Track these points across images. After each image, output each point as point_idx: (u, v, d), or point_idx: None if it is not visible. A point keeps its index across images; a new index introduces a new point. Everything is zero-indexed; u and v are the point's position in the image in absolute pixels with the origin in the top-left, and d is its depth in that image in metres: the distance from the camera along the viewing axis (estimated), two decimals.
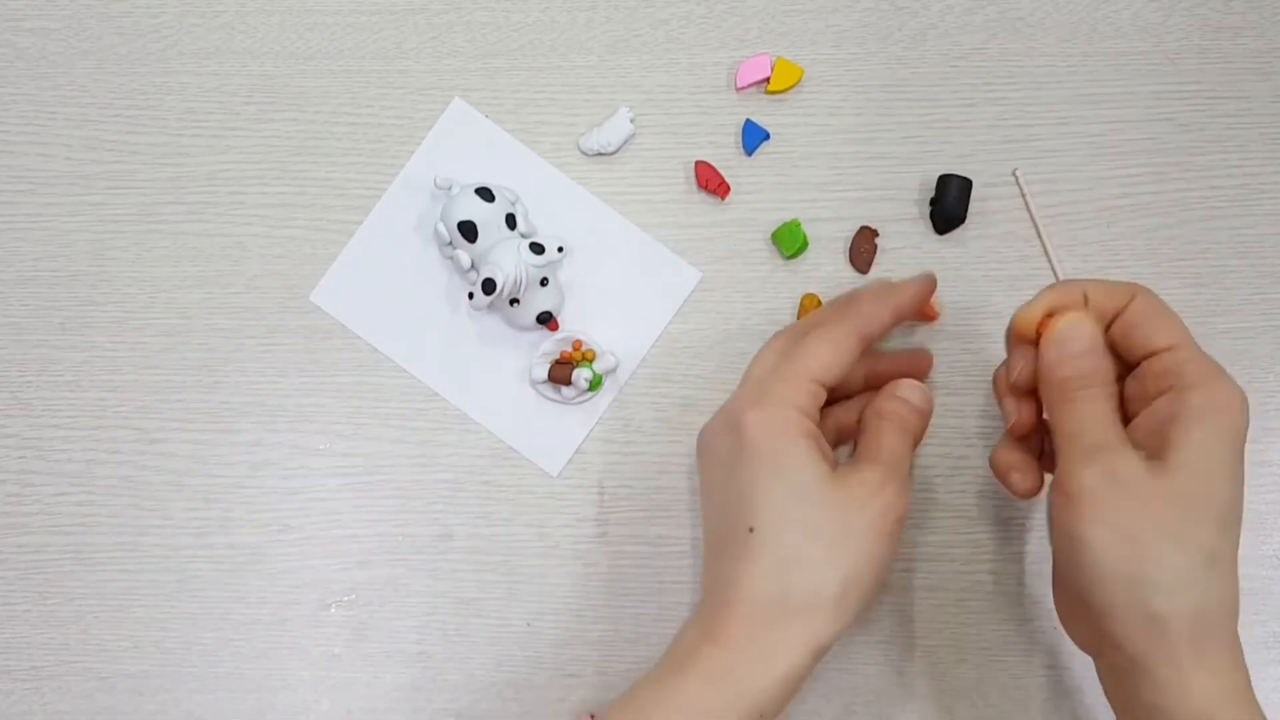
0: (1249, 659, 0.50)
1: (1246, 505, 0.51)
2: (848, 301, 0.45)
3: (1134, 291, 0.41)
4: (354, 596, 0.51)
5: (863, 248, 0.51)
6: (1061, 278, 0.51)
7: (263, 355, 0.52)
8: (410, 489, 0.52)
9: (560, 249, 0.48)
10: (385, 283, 0.52)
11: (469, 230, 0.49)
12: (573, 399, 0.51)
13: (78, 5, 0.54)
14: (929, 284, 0.46)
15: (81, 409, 0.52)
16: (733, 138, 0.52)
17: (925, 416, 0.45)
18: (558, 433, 0.51)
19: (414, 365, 0.52)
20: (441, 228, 0.50)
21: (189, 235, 0.53)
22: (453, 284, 0.52)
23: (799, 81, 0.52)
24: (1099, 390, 0.40)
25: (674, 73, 0.53)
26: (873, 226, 0.52)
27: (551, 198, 0.52)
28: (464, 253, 0.49)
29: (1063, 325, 0.41)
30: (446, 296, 0.52)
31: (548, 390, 0.51)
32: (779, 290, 0.52)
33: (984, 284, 0.52)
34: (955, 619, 0.51)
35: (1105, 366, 0.41)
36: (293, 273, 0.52)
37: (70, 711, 0.51)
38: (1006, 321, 0.51)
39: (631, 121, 0.52)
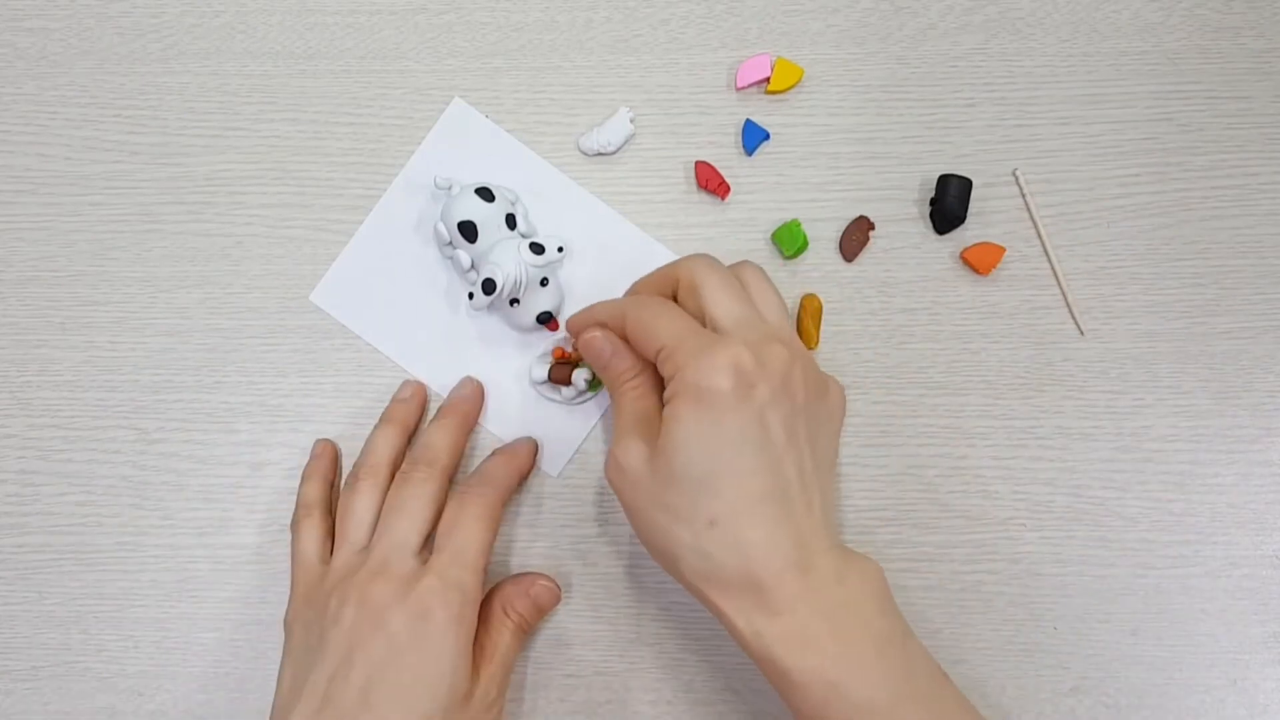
0: (1249, 658, 0.50)
1: (1246, 505, 0.51)
2: (483, 481, 0.48)
3: (623, 311, 0.45)
4: None
5: (854, 236, 0.51)
6: (1062, 277, 0.52)
7: (263, 355, 0.52)
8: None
9: (560, 249, 0.48)
10: (385, 283, 0.52)
11: (469, 230, 0.49)
12: (572, 399, 0.51)
13: (78, 5, 0.54)
14: (534, 444, 0.51)
15: (81, 409, 0.52)
16: (733, 138, 0.52)
17: (546, 613, 0.50)
18: (557, 433, 0.51)
19: (414, 366, 0.52)
20: (441, 228, 0.50)
21: (189, 235, 0.53)
22: (453, 284, 0.52)
23: (799, 81, 0.52)
24: (627, 384, 0.46)
25: (674, 73, 0.53)
26: (870, 219, 0.52)
27: (551, 197, 0.52)
28: (464, 253, 0.49)
29: (584, 338, 0.46)
30: (446, 297, 0.52)
31: (547, 391, 0.51)
32: (779, 290, 0.52)
33: (984, 284, 0.52)
34: (955, 619, 0.51)
35: (624, 366, 0.46)
36: (293, 272, 0.52)
37: (70, 711, 0.51)
38: (1007, 322, 0.52)
39: (631, 121, 0.52)
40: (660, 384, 0.45)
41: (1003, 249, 0.51)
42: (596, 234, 0.52)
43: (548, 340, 0.51)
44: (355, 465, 0.49)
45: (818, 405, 0.44)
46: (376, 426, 0.50)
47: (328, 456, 0.51)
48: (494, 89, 0.53)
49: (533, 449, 0.51)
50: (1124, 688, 0.50)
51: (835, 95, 0.53)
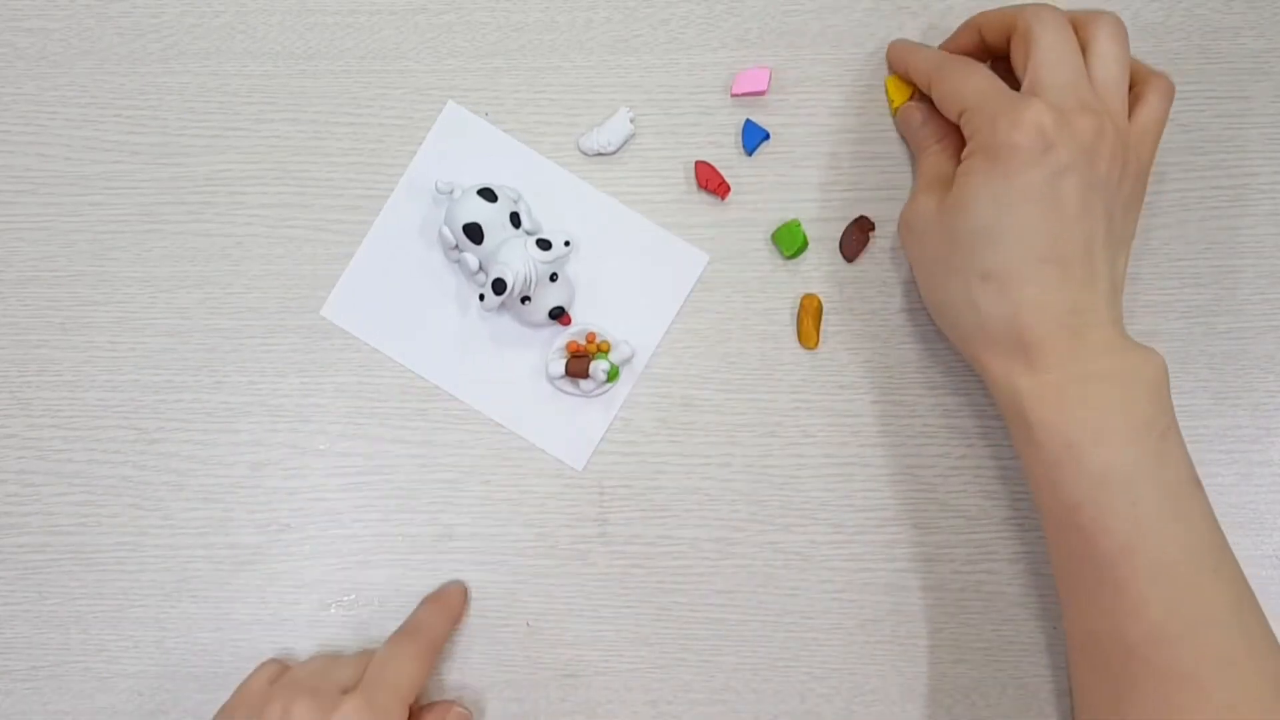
0: None
1: (1246, 505, 0.51)
2: (416, 628, 0.49)
3: (931, 69, 0.47)
4: (354, 596, 0.51)
5: (854, 237, 0.51)
6: None
7: (263, 355, 0.52)
8: (410, 489, 0.52)
9: (567, 243, 0.48)
10: (394, 292, 0.52)
11: (474, 232, 0.49)
12: (591, 392, 0.51)
13: (78, 5, 0.54)
14: (464, 590, 0.51)
15: (81, 409, 0.52)
16: (733, 138, 0.52)
17: None
18: (579, 426, 0.51)
19: (430, 373, 0.52)
20: (446, 231, 0.50)
21: (189, 235, 0.53)
22: (461, 287, 0.52)
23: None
24: (931, 147, 0.49)
25: (674, 73, 0.53)
26: (870, 218, 0.51)
27: (553, 193, 0.52)
28: (471, 255, 0.49)
29: (902, 110, 0.50)
30: (456, 300, 0.52)
31: (565, 385, 0.51)
32: (779, 290, 0.52)
33: None
34: (955, 619, 0.51)
35: (930, 131, 0.49)
36: (293, 272, 0.52)
37: (70, 711, 0.51)
38: None
39: (631, 121, 0.52)
40: (961, 150, 0.45)
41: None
42: (601, 225, 0.52)
43: (562, 335, 0.51)
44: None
45: (1122, 182, 0.44)
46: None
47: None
48: (494, 89, 0.53)
49: (463, 595, 0.51)
50: None
51: (835, 95, 0.53)
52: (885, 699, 0.51)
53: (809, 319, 0.51)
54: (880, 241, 0.52)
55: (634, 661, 0.51)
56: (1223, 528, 0.50)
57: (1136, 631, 0.41)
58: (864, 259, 0.52)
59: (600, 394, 0.51)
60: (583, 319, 0.51)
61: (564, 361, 0.50)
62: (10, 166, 0.53)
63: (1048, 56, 0.44)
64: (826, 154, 0.52)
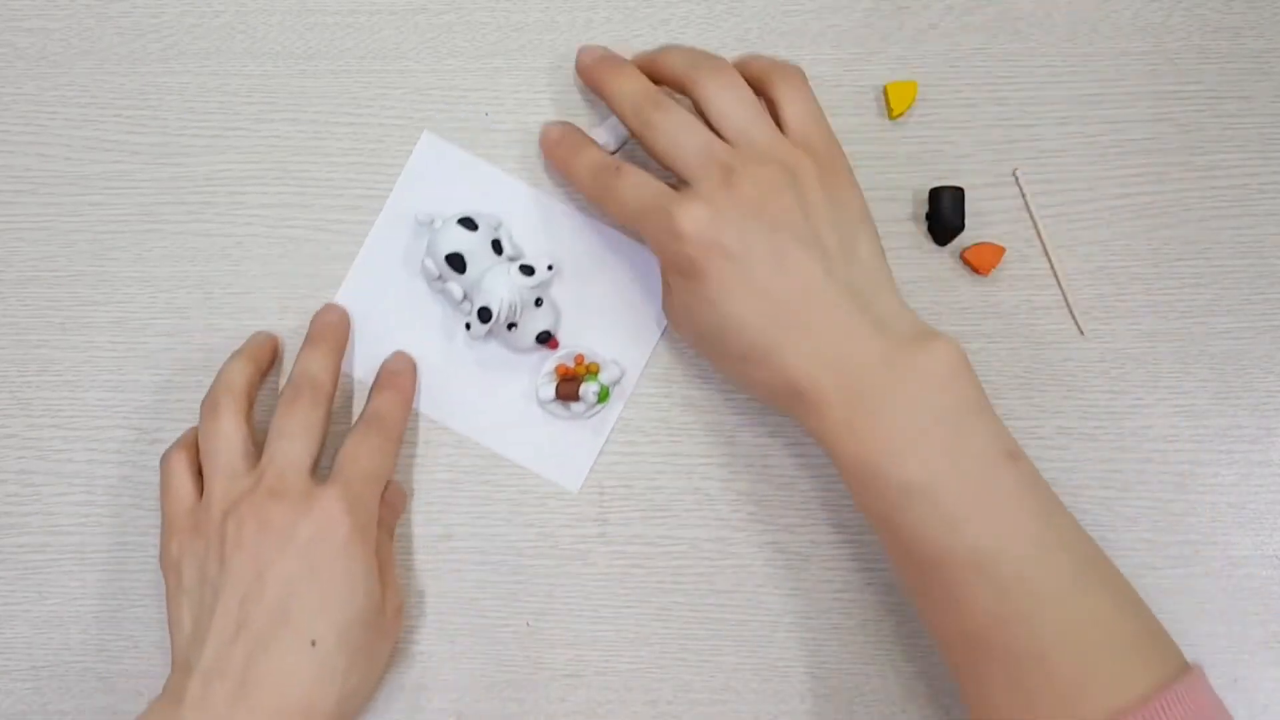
0: (1249, 658, 0.50)
1: (1246, 505, 0.51)
2: (376, 418, 0.48)
3: (638, 126, 0.47)
4: None
5: None
6: (1062, 277, 0.52)
7: None
8: (410, 488, 0.51)
9: (550, 267, 0.48)
10: (379, 324, 0.52)
11: (457, 262, 0.48)
12: (583, 414, 0.51)
13: (78, 5, 0.54)
14: (411, 363, 0.51)
15: (81, 409, 0.52)
16: None
17: (400, 513, 0.51)
18: (573, 448, 0.51)
19: (422, 404, 0.52)
20: (429, 263, 0.49)
21: (189, 235, 0.53)
22: (447, 316, 0.52)
23: (915, 99, 0.52)
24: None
25: None
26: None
27: (532, 218, 0.52)
28: (455, 284, 0.49)
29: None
30: (442, 329, 0.52)
31: (557, 409, 0.51)
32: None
33: (984, 284, 0.52)
34: None
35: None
36: (292, 273, 0.52)
37: (70, 711, 0.51)
38: (1007, 322, 0.52)
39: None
40: None
41: (1003, 249, 0.51)
42: (583, 246, 0.52)
43: (550, 358, 0.51)
44: (210, 393, 0.48)
45: (823, 196, 0.44)
46: (229, 360, 0.49)
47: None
48: (494, 89, 0.53)
49: (412, 371, 0.51)
50: None
51: (836, 95, 0.52)
52: (885, 699, 0.51)
53: None
54: (882, 228, 0.52)
55: (634, 661, 0.51)
56: (1223, 528, 0.51)
57: (972, 622, 0.41)
58: None
59: (592, 415, 0.51)
60: (570, 341, 0.51)
61: (554, 385, 0.50)
62: (10, 166, 0.53)
63: (713, 104, 0.45)
64: None
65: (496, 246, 0.49)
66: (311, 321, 0.51)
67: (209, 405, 0.47)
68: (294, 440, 0.46)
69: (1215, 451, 0.51)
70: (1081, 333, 0.52)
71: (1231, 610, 0.51)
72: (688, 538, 0.51)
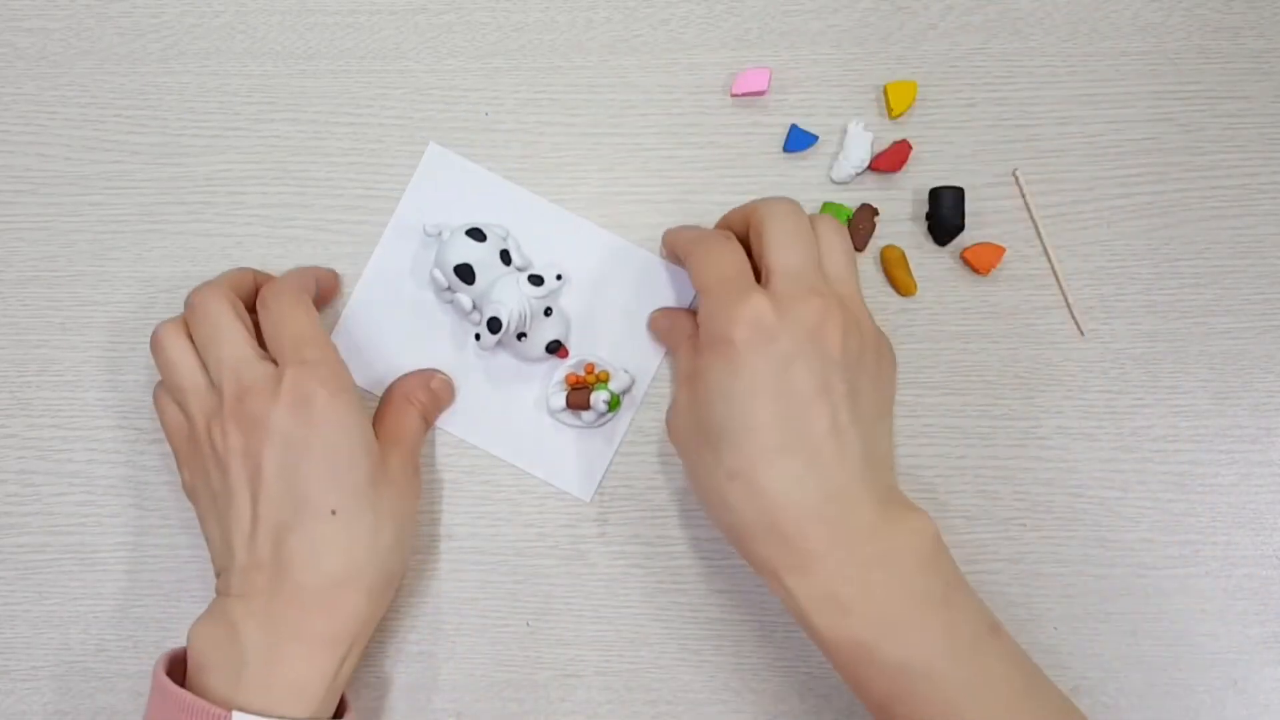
0: (1249, 658, 0.50)
1: (1246, 505, 0.51)
2: (277, 287, 0.47)
3: (687, 246, 0.47)
4: None
5: (861, 225, 0.51)
6: (1062, 277, 0.52)
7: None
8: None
9: (559, 276, 0.48)
10: (388, 337, 0.52)
11: (466, 273, 0.48)
12: (594, 422, 0.51)
13: (78, 5, 0.54)
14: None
15: (81, 409, 0.52)
16: (730, 137, 0.52)
17: (444, 406, 0.51)
18: (585, 457, 0.51)
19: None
20: (438, 274, 0.49)
21: (189, 235, 0.53)
22: (456, 327, 0.52)
23: (915, 99, 0.52)
24: (683, 344, 0.47)
25: (674, 73, 0.53)
26: (873, 205, 0.51)
27: (540, 227, 0.52)
28: (464, 295, 0.49)
29: (651, 318, 0.51)
30: (452, 339, 0.52)
31: (567, 417, 0.51)
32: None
33: (984, 283, 0.52)
34: None
35: (679, 330, 0.49)
36: None
37: (70, 711, 0.51)
38: (1007, 322, 0.52)
39: (866, 128, 0.51)
40: None
41: (1003, 249, 0.51)
42: (590, 255, 0.52)
43: (560, 368, 0.51)
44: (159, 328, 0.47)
45: (863, 355, 0.44)
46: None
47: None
48: (494, 89, 0.53)
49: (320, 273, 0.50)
50: (1124, 688, 0.50)
51: (836, 95, 0.52)
52: None
53: (898, 269, 0.51)
54: (885, 226, 0.52)
55: (634, 661, 0.51)
56: (1223, 528, 0.51)
57: None
58: (872, 248, 0.52)
59: (602, 424, 0.51)
60: (580, 350, 0.51)
61: (564, 394, 0.50)
62: (10, 166, 0.53)
63: (780, 242, 0.44)
64: (826, 154, 0.52)
65: (505, 257, 0.49)
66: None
67: (153, 342, 0.47)
68: (225, 339, 0.45)
69: (1215, 451, 0.51)
70: (1081, 333, 0.52)
71: (1231, 610, 0.51)
72: (688, 538, 0.51)
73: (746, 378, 0.42)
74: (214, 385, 0.45)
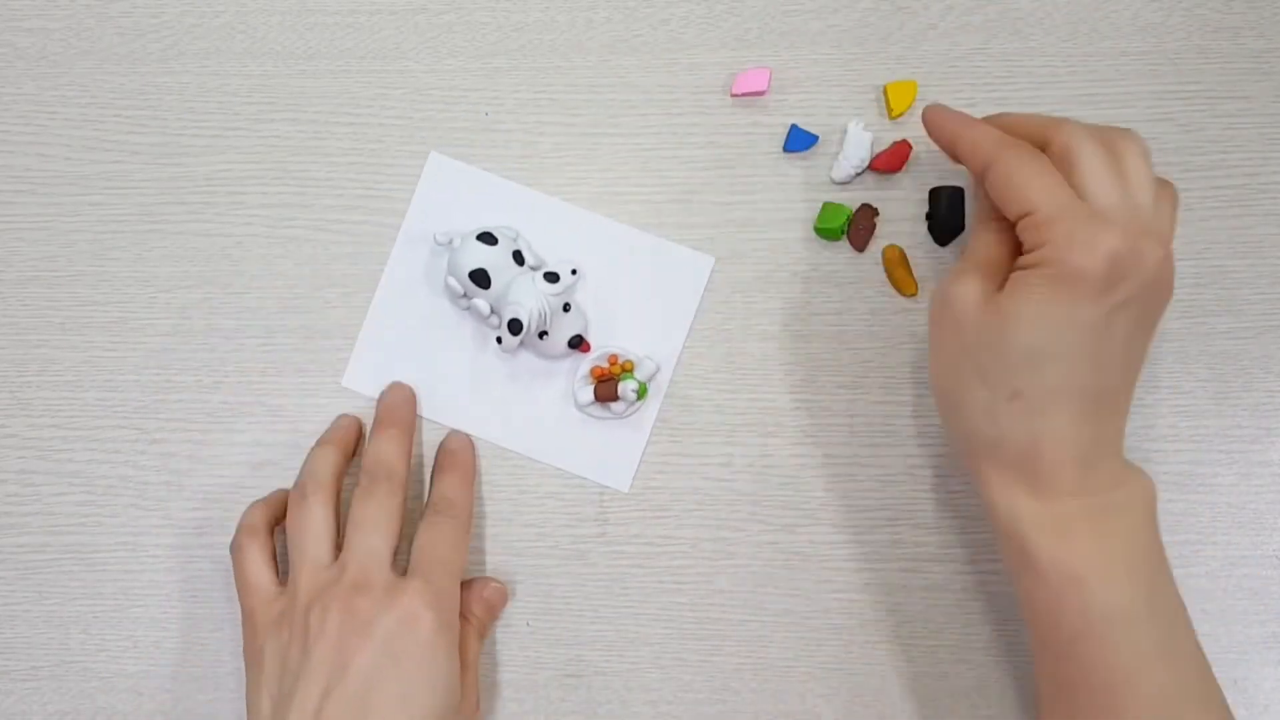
0: (1249, 658, 0.50)
1: (1246, 505, 0.51)
2: (447, 505, 0.48)
3: (993, 155, 0.42)
4: None
5: (861, 226, 0.51)
6: None
7: (263, 355, 0.52)
8: (410, 488, 0.51)
9: (574, 272, 0.48)
10: (409, 348, 0.52)
11: (481, 277, 0.48)
12: (623, 413, 0.51)
13: (78, 5, 0.54)
14: (468, 441, 0.51)
15: (81, 409, 0.52)
16: (730, 137, 0.52)
17: (498, 614, 0.51)
18: (618, 448, 0.51)
19: (457, 421, 0.51)
20: (453, 281, 0.49)
21: (189, 235, 0.53)
22: (476, 332, 0.52)
23: (915, 99, 0.52)
24: (988, 225, 0.44)
25: (674, 73, 0.53)
26: (873, 205, 0.51)
27: (548, 224, 0.52)
28: (481, 300, 0.49)
29: (991, 174, 0.43)
30: (472, 343, 0.52)
31: (596, 410, 0.51)
32: (781, 289, 0.52)
33: None
34: (955, 619, 0.51)
35: (988, 205, 0.44)
36: (293, 273, 0.52)
37: (70, 711, 0.51)
38: None
39: (865, 128, 0.51)
40: (1013, 234, 0.42)
41: None
42: (603, 247, 0.52)
43: (585, 361, 0.51)
44: (299, 483, 0.48)
45: (1160, 312, 0.43)
46: (314, 447, 0.49)
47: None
48: (494, 89, 0.53)
49: (470, 447, 0.51)
50: None
51: (836, 95, 0.52)
52: (885, 699, 0.51)
53: (899, 269, 0.51)
54: (886, 226, 0.52)
55: (634, 661, 0.51)
56: (1223, 528, 0.51)
57: None
58: (873, 248, 0.52)
59: (631, 414, 0.51)
60: (601, 342, 0.51)
61: (591, 387, 0.50)
62: (10, 166, 0.53)
63: (1101, 175, 0.41)
64: (826, 155, 0.52)
65: (518, 258, 0.49)
66: (378, 403, 0.51)
67: (297, 494, 0.47)
68: (373, 532, 0.46)
69: (1215, 451, 0.51)
70: None
71: (1231, 610, 0.51)
72: (688, 538, 0.51)
73: (1083, 312, 0.40)
74: (334, 561, 0.46)
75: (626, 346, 0.51)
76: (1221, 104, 0.52)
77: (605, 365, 0.51)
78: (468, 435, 0.51)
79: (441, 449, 0.51)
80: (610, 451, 0.51)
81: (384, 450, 0.48)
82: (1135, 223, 0.40)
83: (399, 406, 0.50)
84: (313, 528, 0.46)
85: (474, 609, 0.49)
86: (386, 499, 0.47)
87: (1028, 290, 0.40)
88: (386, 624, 0.43)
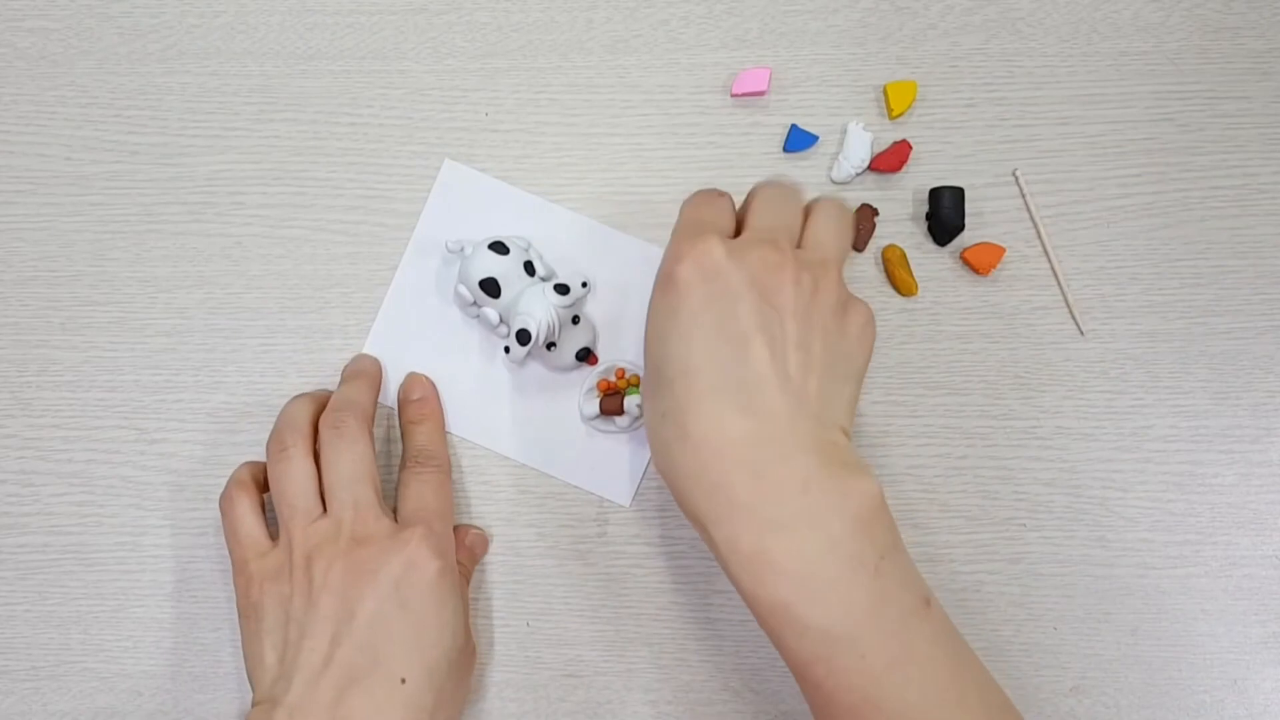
0: (1249, 658, 0.50)
1: (1246, 505, 0.51)
2: (427, 457, 0.49)
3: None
4: None
5: (860, 225, 0.51)
6: (1062, 277, 0.52)
7: (263, 355, 0.52)
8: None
9: (584, 284, 0.48)
10: (416, 355, 0.52)
11: (491, 287, 0.48)
12: (628, 427, 0.51)
13: (78, 5, 0.54)
14: (425, 380, 0.52)
15: (81, 409, 0.52)
16: (730, 137, 0.52)
17: (479, 559, 0.51)
18: (623, 462, 0.51)
19: (463, 429, 0.52)
20: (463, 289, 0.49)
21: (189, 235, 0.53)
22: (484, 341, 0.52)
23: (915, 99, 0.52)
24: None
25: (674, 73, 0.53)
26: (872, 205, 0.51)
27: (560, 235, 0.52)
28: (491, 309, 0.49)
29: None
30: (480, 353, 0.52)
31: (602, 424, 0.51)
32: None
33: (984, 283, 0.52)
34: (955, 619, 0.51)
35: None
36: (293, 273, 0.52)
37: (70, 711, 0.51)
38: (1007, 322, 0.52)
39: (865, 129, 0.51)
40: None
41: (1003, 249, 0.51)
42: (613, 260, 0.52)
43: (591, 374, 0.51)
44: (276, 432, 0.48)
45: (818, 313, 0.42)
46: (291, 400, 0.49)
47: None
48: (494, 89, 0.53)
49: (433, 391, 0.51)
50: (1124, 688, 0.50)
51: (835, 95, 0.53)
52: None
53: (899, 269, 0.51)
54: (885, 226, 0.52)
55: (634, 661, 0.51)
56: (1223, 528, 0.51)
57: None
58: (872, 248, 0.52)
59: (636, 428, 0.51)
60: (609, 356, 0.51)
61: (597, 401, 0.50)
62: (10, 166, 0.53)
63: (761, 206, 0.44)
64: (826, 155, 0.52)
65: (529, 268, 0.49)
66: (343, 370, 0.51)
67: (276, 445, 0.47)
68: (357, 482, 0.46)
69: (1215, 451, 0.51)
70: (1081, 333, 0.52)
71: (1231, 610, 0.51)
72: (688, 538, 0.51)
73: (685, 315, 0.41)
74: (329, 515, 0.46)
75: (634, 361, 0.51)
76: (1221, 104, 0.52)
77: (612, 379, 0.51)
78: (426, 376, 0.51)
79: (404, 400, 0.51)
80: (614, 465, 0.51)
81: (352, 393, 0.49)
82: (764, 238, 0.42)
83: (366, 365, 0.51)
84: (298, 479, 0.46)
85: (459, 556, 0.49)
86: (358, 435, 0.46)
87: (649, 310, 0.43)
88: (393, 570, 0.44)
